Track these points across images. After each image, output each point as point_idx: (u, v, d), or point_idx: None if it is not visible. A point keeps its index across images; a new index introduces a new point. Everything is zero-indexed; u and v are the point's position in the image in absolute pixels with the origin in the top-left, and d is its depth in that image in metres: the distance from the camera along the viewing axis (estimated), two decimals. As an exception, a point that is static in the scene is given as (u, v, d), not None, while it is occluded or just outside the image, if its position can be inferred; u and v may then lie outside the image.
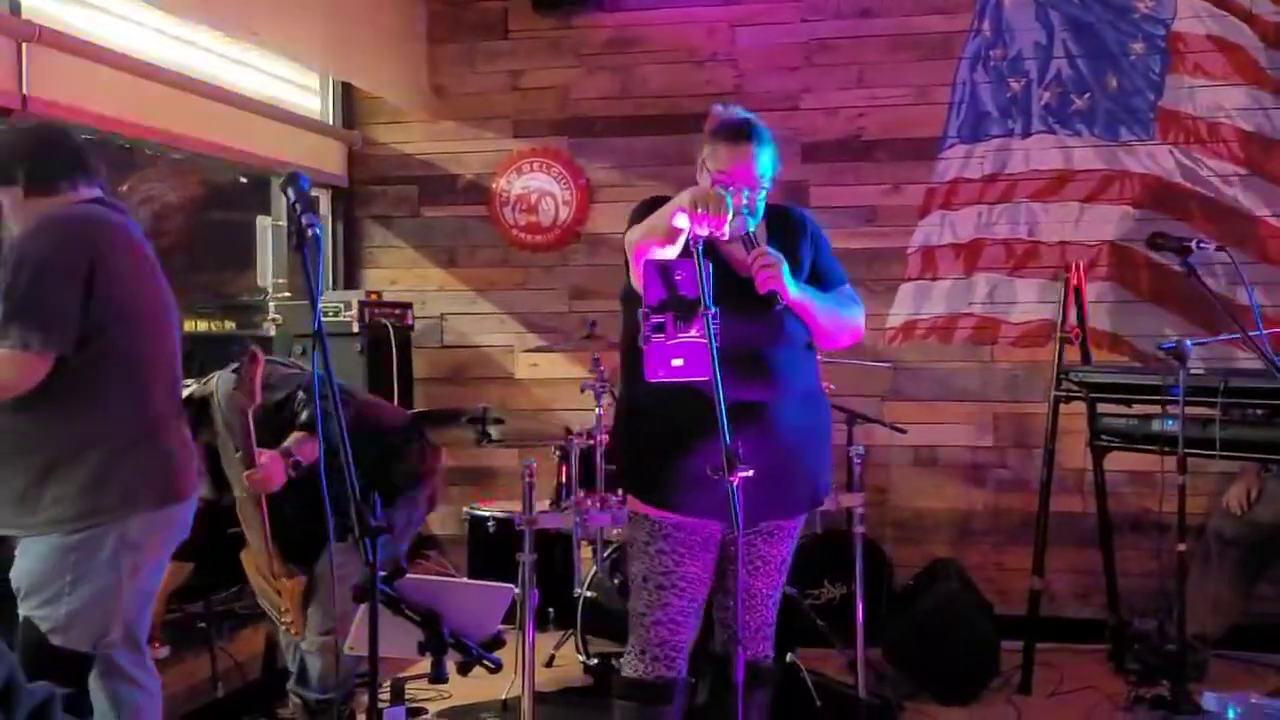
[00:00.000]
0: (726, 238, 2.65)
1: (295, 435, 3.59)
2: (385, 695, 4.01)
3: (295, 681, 3.77)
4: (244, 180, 5.55)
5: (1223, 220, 5.12)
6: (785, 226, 2.94)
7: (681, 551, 2.86)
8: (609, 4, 5.66)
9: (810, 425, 2.92)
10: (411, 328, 5.59)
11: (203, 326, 5.29)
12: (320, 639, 3.65)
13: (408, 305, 5.59)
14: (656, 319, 2.42)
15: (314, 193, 2.56)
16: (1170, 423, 4.11)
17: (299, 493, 3.53)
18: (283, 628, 3.79)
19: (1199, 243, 3.97)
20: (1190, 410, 3.94)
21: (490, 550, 4.70)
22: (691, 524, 2.85)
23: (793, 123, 5.46)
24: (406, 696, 4.09)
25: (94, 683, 2.91)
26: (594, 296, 5.60)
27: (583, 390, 4.32)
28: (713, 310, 2.39)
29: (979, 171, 5.37)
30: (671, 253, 2.63)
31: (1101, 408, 4.62)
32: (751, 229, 2.69)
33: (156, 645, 3.77)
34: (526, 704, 3.78)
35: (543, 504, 4.08)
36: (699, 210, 2.50)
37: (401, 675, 4.17)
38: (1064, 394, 4.63)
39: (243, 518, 3.69)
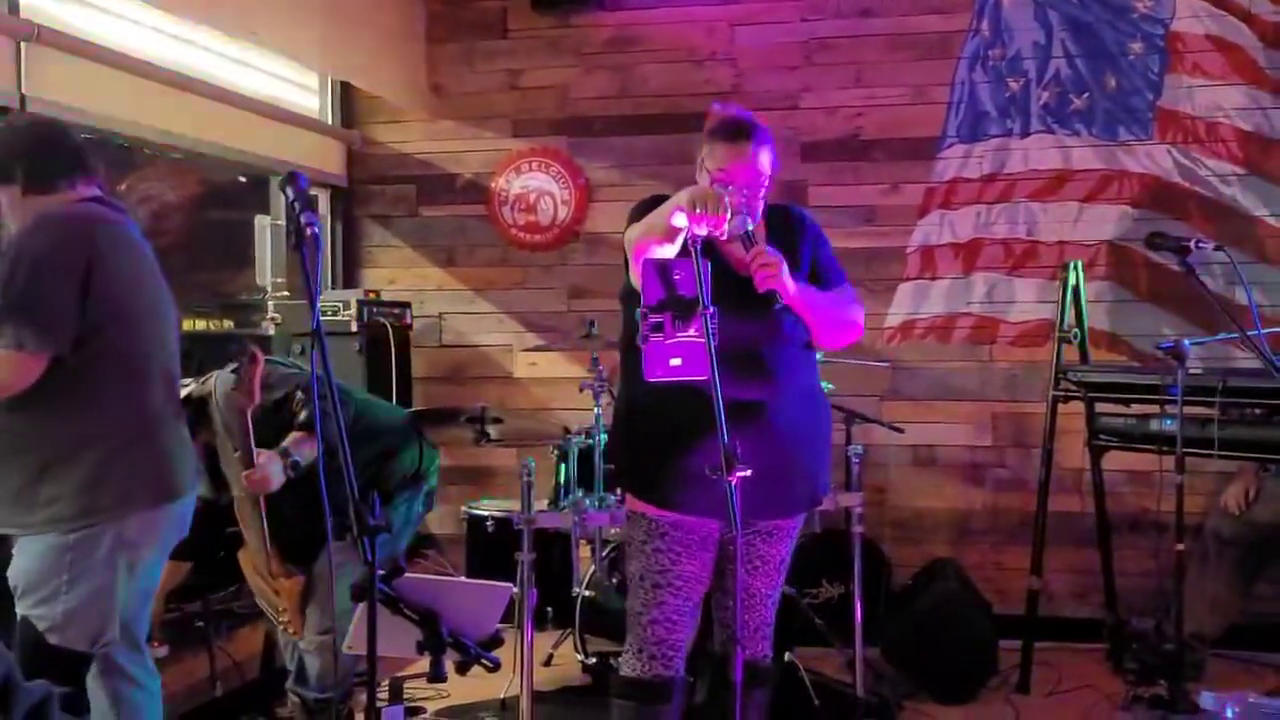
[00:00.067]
0: (725, 237, 2.65)
1: (294, 435, 3.59)
2: (384, 694, 4.02)
3: (294, 681, 3.77)
4: (243, 179, 5.55)
5: (1221, 220, 5.12)
6: (784, 226, 2.95)
7: (679, 550, 2.86)
8: (608, 3, 5.66)
9: (809, 425, 2.92)
10: (410, 327, 5.59)
11: (201, 325, 5.28)
12: (319, 638, 3.65)
13: (406, 305, 5.59)
14: (655, 318, 2.42)
15: (313, 192, 2.55)
16: (1168, 422, 4.12)
17: (298, 492, 3.53)
18: (280, 627, 3.79)
19: (1197, 242, 3.97)
20: (1188, 410, 3.94)
21: (489, 549, 4.70)
22: (690, 523, 2.85)
23: (792, 122, 5.46)
24: (405, 695, 4.09)
25: (93, 681, 2.91)
26: (593, 296, 5.60)
27: (581, 390, 4.32)
28: (711, 310, 2.40)
29: (978, 171, 5.37)
30: (670, 252, 2.63)
31: (1100, 407, 4.63)
32: (750, 228, 2.69)
33: (155, 644, 3.76)
34: (525, 703, 3.78)
35: (541, 503, 4.08)
36: (697, 210, 2.50)
37: (400, 674, 4.17)
38: (1062, 393, 4.63)
39: (241, 517, 3.69)
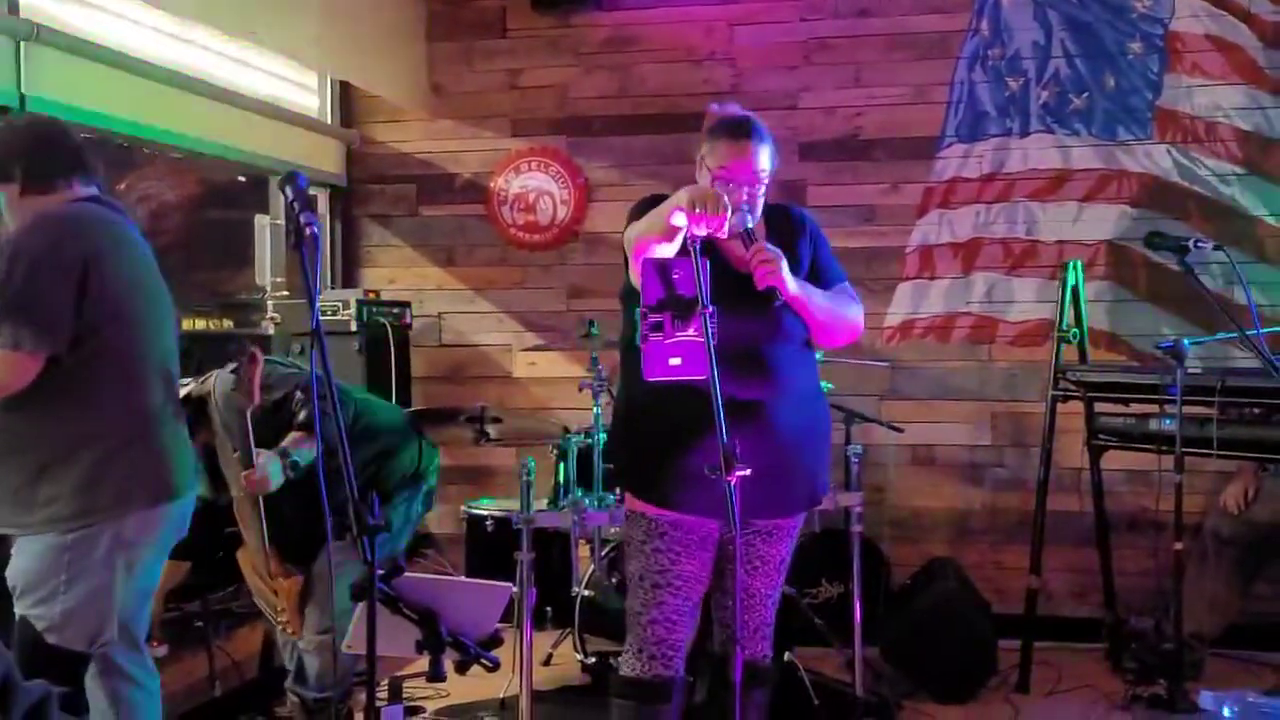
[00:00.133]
0: (726, 235, 2.64)
1: (293, 435, 3.59)
2: (383, 694, 4.01)
3: (293, 680, 3.77)
4: (242, 179, 5.55)
5: (1220, 220, 5.12)
6: (784, 225, 2.95)
7: (678, 550, 2.86)
8: (607, 3, 5.65)
9: (809, 424, 2.92)
10: (409, 326, 5.59)
11: (201, 325, 5.29)
12: (318, 638, 3.65)
13: (406, 304, 5.59)
14: (654, 318, 2.42)
15: (312, 191, 2.55)
16: (1168, 422, 4.12)
17: (297, 492, 3.53)
18: (279, 627, 3.79)
19: (1197, 242, 3.98)
20: (1187, 409, 3.95)
21: (488, 549, 4.70)
22: (689, 523, 2.85)
23: (791, 122, 5.46)
24: (404, 695, 4.09)
25: (93, 681, 2.91)
26: (592, 295, 5.60)
27: (581, 389, 4.32)
28: (710, 309, 2.40)
29: (977, 171, 5.37)
30: (669, 251, 2.63)
31: (1099, 407, 4.63)
32: (751, 225, 2.69)
33: (155, 644, 3.77)
34: (524, 703, 3.78)
35: (540, 503, 4.08)
36: (697, 210, 2.50)
37: (399, 674, 4.17)
38: (1061, 393, 4.63)
39: (240, 517, 3.69)
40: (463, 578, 4.39)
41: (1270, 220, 5.12)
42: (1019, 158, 5.34)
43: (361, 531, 2.27)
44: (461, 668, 2.48)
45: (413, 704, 4.21)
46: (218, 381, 3.66)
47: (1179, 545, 3.91)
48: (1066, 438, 4.75)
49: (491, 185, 5.82)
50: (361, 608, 2.31)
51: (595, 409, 4.23)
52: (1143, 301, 5.23)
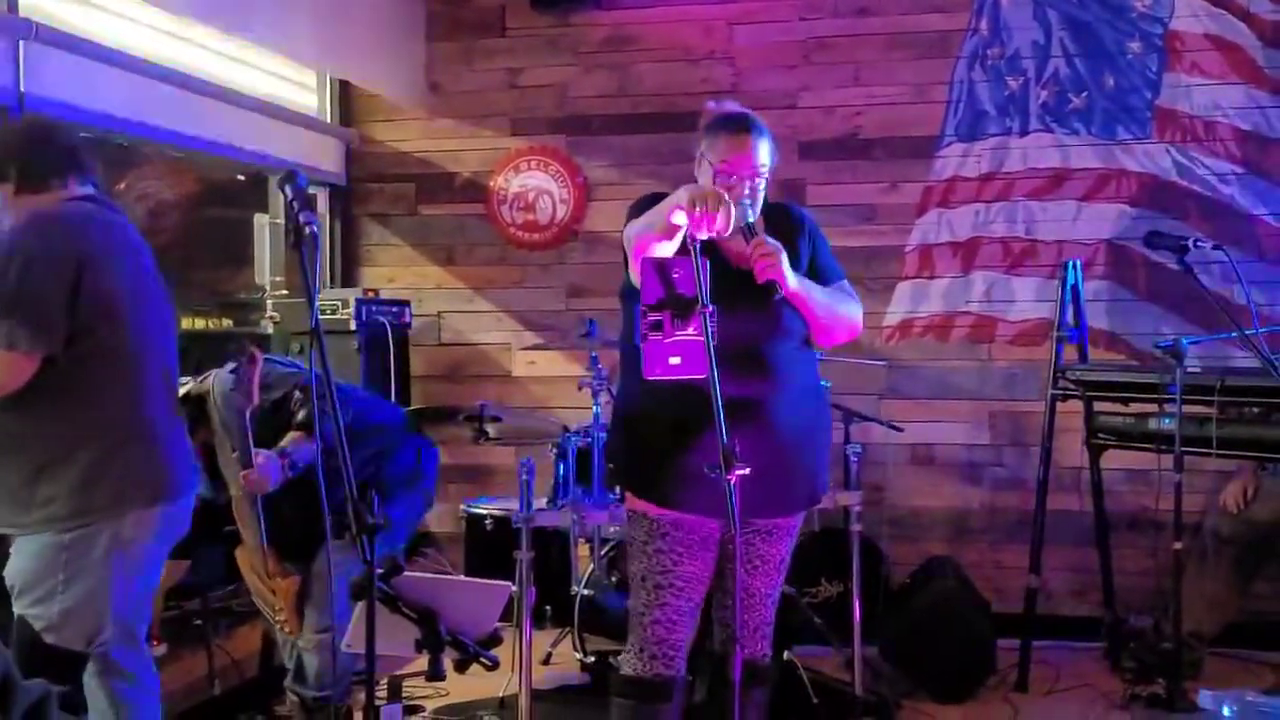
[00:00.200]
0: (727, 235, 2.64)
1: (292, 435, 3.59)
2: (382, 693, 4.01)
3: (292, 679, 3.77)
4: (241, 178, 5.55)
5: (1220, 219, 5.12)
6: (783, 223, 2.94)
7: (680, 551, 2.86)
8: (606, 2, 5.65)
9: (809, 422, 2.92)
10: (409, 325, 5.58)
11: (200, 324, 5.28)
12: (317, 637, 3.65)
13: (405, 303, 5.59)
14: (654, 317, 2.42)
15: (311, 190, 2.55)
16: (1167, 421, 4.12)
17: (296, 491, 3.53)
18: (277, 626, 3.79)
19: (1196, 241, 3.98)
20: (1187, 409, 3.95)
21: (487, 548, 4.70)
22: (690, 523, 2.85)
23: (790, 121, 5.46)
24: (404, 694, 4.09)
25: (92, 681, 2.91)
26: (591, 295, 5.60)
27: (580, 388, 4.32)
28: (710, 308, 2.39)
29: (976, 170, 5.37)
30: (669, 249, 2.62)
31: (1098, 406, 4.63)
32: (751, 219, 2.70)
33: (154, 642, 3.77)
34: (524, 701, 3.78)
35: (540, 502, 4.08)
36: (697, 209, 2.50)
37: (399, 673, 4.17)
38: (1061, 392, 4.63)
39: (238, 516, 3.69)
40: (462, 577, 4.39)
41: (1269, 219, 5.13)
42: (1018, 157, 5.34)
43: (360, 530, 2.27)
44: (461, 667, 2.48)
45: (412, 703, 4.21)
46: (217, 381, 3.65)
47: (1178, 544, 3.91)
48: (1066, 437, 4.75)
49: (491, 184, 5.82)
50: (361, 607, 2.31)
51: (594, 408, 4.23)
52: (1142, 301, 5.23)
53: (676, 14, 5.62)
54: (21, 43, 3.72)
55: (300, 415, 3.60)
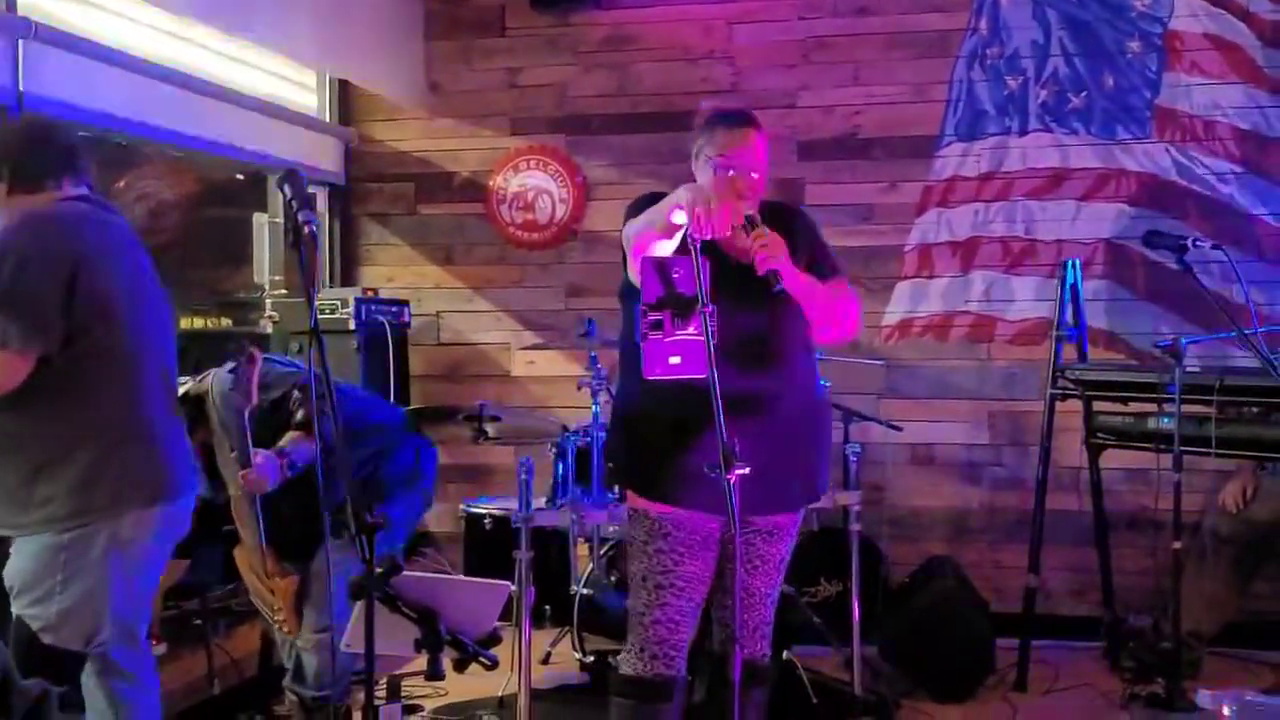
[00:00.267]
0: (728, 234, 2.64)
1: (290, 435, 3.58)
2: (381, 692, 4.01)
3: (291, 679, 3.77)
4: (240, 177, 5.55)
5: (1219, 218, 5.12)
6: (781, 221, 2.93)
7: (681, 551, 2.86)
8: (606, 2, 5.65)
9: (810, 418, 2.93)
10: (408, 325, 5.58)
11: (199, 323, 5.28)
12: (316, 636, 3.65)
13: (404, 302, 5.59)
14: (654, 316, 2.42)
15: (310, 190, 2.55)
16: (1166, 420, 4.12)
17: (295, 491, 3.53)
18: (275, 626, 3.79)
19: (1195, 241, 3.98)
20: (1186, 408, 3.95)
21: (486, 547, 4.70)
22: (692, 522, 2.85)
23: (789, 120, 5.46)
24: (403, 693, 4.09)
25: (92, 681, 2.91)
26: (591, 294, 5.60)
27: (579, 388, 4.32)
28: (710, 308, 2.39)
29: (976, 170, 5.37)
30: (669, 248, 2.63)
31: (1098, 405, 4.63)
32: (751, 211, 2.70)
33: (154, 642, 3.76)
34: (523, 701, 3.78)
35: (539, 501, 4.08)
36: (697, 210, 2.50)
37: (398, 672, 4.17)
38: (1060, 392, 4.63)
39: (237, 516, 3.68)
40: (461, 576, 4.39)
41: (1269, 219, 5.13)
42: (1017, 156, 5.34)
43: (360, 530, 2.27)
44: (460, 666, 2.48)
45: (411, 702, 4.21)
46: (215, 380, 3.65)
47: (1177, 544, 3.91)
48: (1065, 436, 4.75)
49: (490, 184, 5.82)
50: (360, 606, 2.31)
51: (594, 407, 4.23)
52: (1141, 300, 5.23)
53: (676, 13, 5.61)
54: (21, 42, 3.72)
55: (299, 415, 3.60)
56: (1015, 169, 5.34)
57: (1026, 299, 5.32)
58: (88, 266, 2.78)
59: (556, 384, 5.62)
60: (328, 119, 5.83)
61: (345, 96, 5.91)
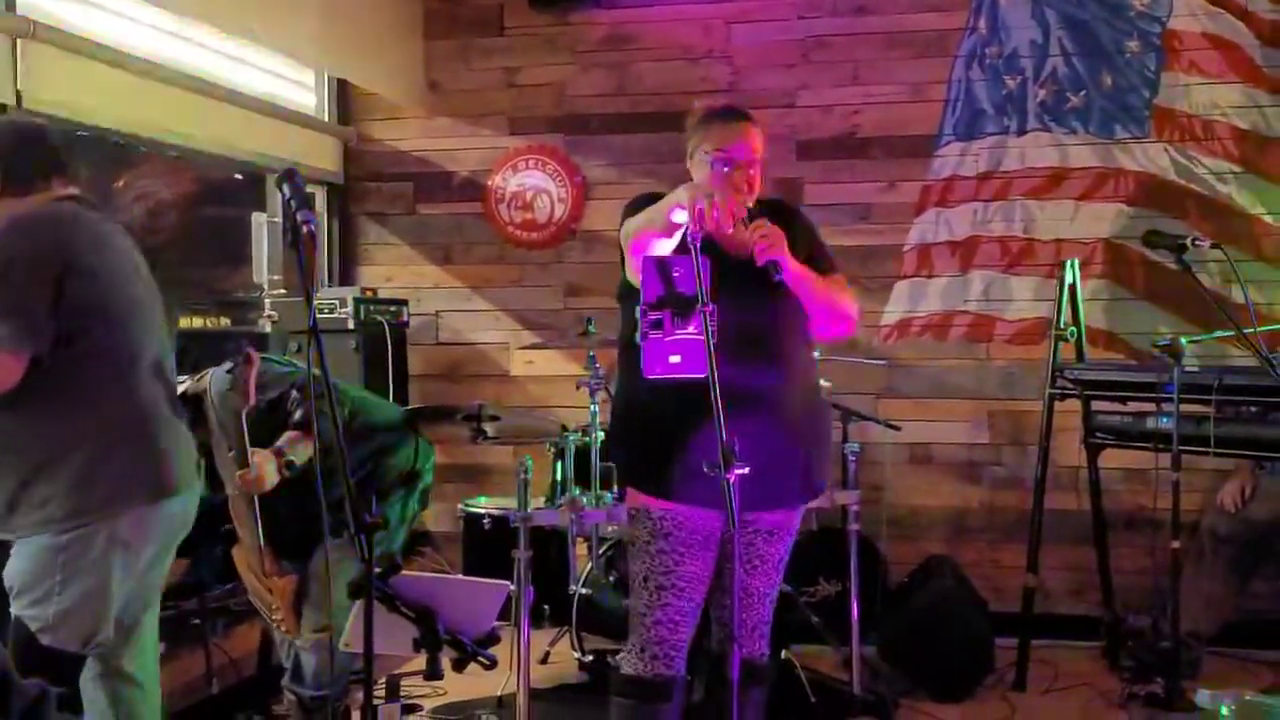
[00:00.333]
0: (729, 230, 2.64)
1: (288, 435, 3.58)
2: (380, 692, 4.01)
3: (290, 678, 3.76)
4: (239, 177, 5.54)
5: (1218, 218, 5.12)
6: (779, 218, 2.94)
7: (681, 551, 2.86)
8: (605, 1, 5.65)
9: (811, 414, 2.93)
10: (407, 325, 5.58)
11: (198, 323, 5.27)
12: (315, 636, 3.65)
13: (403, 302, 5.58)
14: (654, 315, 2.42)
15: (309, 189, 2.55)
16: (1165, 420, 4.12)
17: (293, 491, 3.53)
18: (274, 625, 3.78)
19: (1194, 240, 3.98)
20: (1185, 407, 3.95)
21: (485, 547, 4.71)
22: (692, 520, 2.85)
23: (788, 120, 5.46)
24: (402, 693, 4.08)
25: (93, 682, 2.91)
26: (589, 294, 5.60)
27: (578, 387, 4.32)
28: (710, 307, 2.39)
29: (974, 169, 5.37)
30: (668, 247, 2.63)
31: (1096, 405, 4.63)
32: (750, 204, 2.70)
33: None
34: (522, 700, 3.78)
35: (538, 501, 4.08)
36: (700, 205, 2.51)
37: (397, 672, 4.17)
38: (1059, 391, 4.63)
39: (235, 515, 3.68)
40: (460, 576, 4.39)
41: (1267, 218, 5.13)
42: (1016, 156, 5.34)
43: (358, 529, 2.26)
44: (459, 666, 2.48)
45: (410, 702, 4.21)
46: (213, 380, 3.65)
47: (1176, 543, 3.91)
48: (1064, 436, 4.75)
49: (489, 183, 5.82)
50: (359, 606, 2.31)
51: (592, 407, 4.23)
52: (1140, 300, 5.23)
53: (675, 13, 5.61)
54: (19, 41, 3.71)
55: (297, 415, 3.60)
56: (1014, 168, 5.34)
57: (1025, 298, 5.32)
58: (78, 266, 2.77)
59: (555, 383, 5.62)
60: (326, 118, 5.83)
61: (344, 96, 5.90)
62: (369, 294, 5.40)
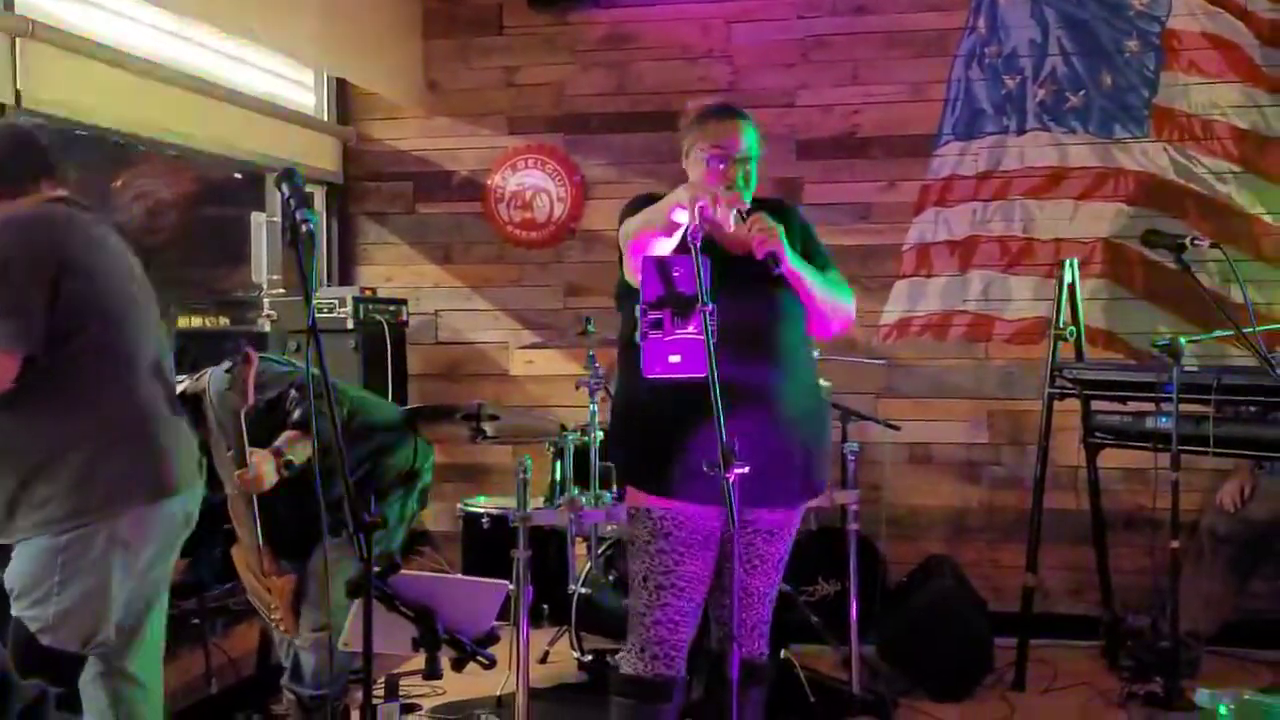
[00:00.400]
0: (731, 228, 2.64)
1: (287, 434, 3.57)
2: (379, 691, 4.01)
3: (289, 678, 3.76)
4: (238, 176, 5.54)
5: (1217, 217, 5.12)
6: (775, 216, 2.94)
7: (681, 551, 2.86)
8: (604, 0, 5.65)
9: (811, 411, 2.94)
10: (406, 324, 5.58)
11: (197, 322, 5.27)
12: (314, 635, 3.65)
13: (402, 302, 5.58)
14: (654, 315, 2.43)
15: (308, 189, 2.55)
16: (1164, 420, 4.12)
17: (292, 490, 3.52)
18: (273, 625, 3.78)
19: (1193, 240, 3.98)
20: (1184, 407, 3.95)
21: (484, 546, 4.71)
22: (692, 519, 2.85)
23: (788, 120, 5.46)
24: (400, 692, 4.08)
25: (94, 682, 2.90)
26: (589, 293, 5.60)
27: (577, 387, 4.32)
28: (710, 307, 2.40)
29: (974, 169, 5.37)
30: (668, 247, 2.63)
31: (1095, 405, 4.63)
32: (748, 199, 2.71)
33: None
34: (521, 700, 3.78)
35: (537, 500, 4.08)
36: (701, 202, 2.51)
37: (396, 671, 4.17)
38: (1058, 391, 4.63)
39: (234, 515, 3.68)
40: (459, 575, 4.39)
41: (1267, 218, 5.13)
42: (1016, 155, 5.34)
43: (357, 528, 2.26)
44: (458, 665, 2.48)
45: (409, 701, 4.21)
46: (212, 380, 3.64)
47: (1175, 543, 3.91)
48: (1063, 436, 4.75)
49: (488, 183, 5.81)
50: (358, 605, 2.30)
51: (592, 406, 4.23)
52: (1139, 299, 5.23)
53: (674, 12, 5.61)
54: (18, 40, 3.71)
55: (296, 414, 3.60)
56: (1013, 168, 5.34)
57: (1024, 298, 5.32)
58: (71, 267, 2.77)
59: (554, 383, 5.62)
60: (326, 118, 5.83)
61: (343, 95, 5.90)
62: (368, 293, 5.39)
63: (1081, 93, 5.29)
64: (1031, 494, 4.69)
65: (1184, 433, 3.95)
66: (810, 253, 2.94)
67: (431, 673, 2.43)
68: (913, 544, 5.35)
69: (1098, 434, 4.63)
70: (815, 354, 3.05)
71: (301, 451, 3.53)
